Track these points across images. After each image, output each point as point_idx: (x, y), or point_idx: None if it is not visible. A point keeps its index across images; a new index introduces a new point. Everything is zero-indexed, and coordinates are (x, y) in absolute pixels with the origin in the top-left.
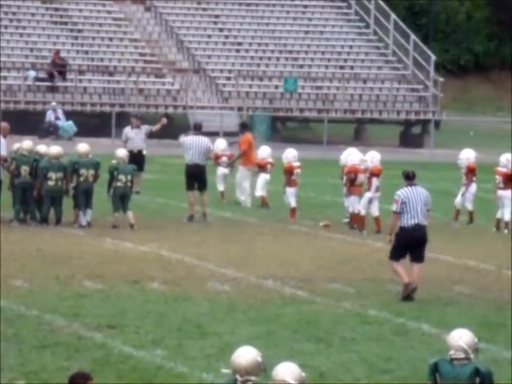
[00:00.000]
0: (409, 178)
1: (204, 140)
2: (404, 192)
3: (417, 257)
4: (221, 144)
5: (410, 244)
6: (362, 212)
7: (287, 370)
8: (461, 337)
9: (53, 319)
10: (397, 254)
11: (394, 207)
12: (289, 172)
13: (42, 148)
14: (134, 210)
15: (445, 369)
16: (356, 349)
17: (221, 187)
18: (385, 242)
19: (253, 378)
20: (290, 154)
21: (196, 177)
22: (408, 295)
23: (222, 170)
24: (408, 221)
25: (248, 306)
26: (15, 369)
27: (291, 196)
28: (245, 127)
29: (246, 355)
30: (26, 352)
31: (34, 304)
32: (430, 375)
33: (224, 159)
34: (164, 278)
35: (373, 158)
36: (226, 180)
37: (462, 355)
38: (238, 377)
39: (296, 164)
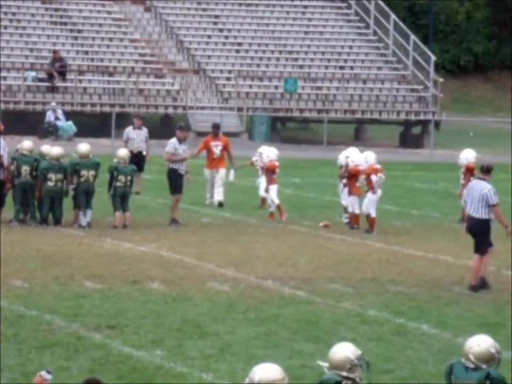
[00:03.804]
0: (481, 171)
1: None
2: (470, 183)
3: (475, 247)
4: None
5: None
6: (357, 211)
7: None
8: (472, 348)
9: (52, 319)
10: None
11: None
12: (271, 170)
13: (45, 148)
14: (134, 210)
15: (458, 371)
16: None
17: None
18: (386, 243)
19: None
20: (272, 153)
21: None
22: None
23: None
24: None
25: (248, 307)
26: (15, 369)
27: (274, 194)
28: (218, 128)
29: None
30: (26, 352)
31: (34, 304)
32: (446, 376)
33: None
34: (164, 278)
35: (367, 158)
36: None
37: (471, 365)
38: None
39: (277, 163)
